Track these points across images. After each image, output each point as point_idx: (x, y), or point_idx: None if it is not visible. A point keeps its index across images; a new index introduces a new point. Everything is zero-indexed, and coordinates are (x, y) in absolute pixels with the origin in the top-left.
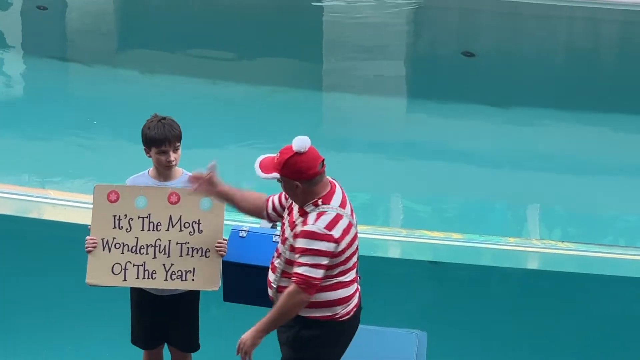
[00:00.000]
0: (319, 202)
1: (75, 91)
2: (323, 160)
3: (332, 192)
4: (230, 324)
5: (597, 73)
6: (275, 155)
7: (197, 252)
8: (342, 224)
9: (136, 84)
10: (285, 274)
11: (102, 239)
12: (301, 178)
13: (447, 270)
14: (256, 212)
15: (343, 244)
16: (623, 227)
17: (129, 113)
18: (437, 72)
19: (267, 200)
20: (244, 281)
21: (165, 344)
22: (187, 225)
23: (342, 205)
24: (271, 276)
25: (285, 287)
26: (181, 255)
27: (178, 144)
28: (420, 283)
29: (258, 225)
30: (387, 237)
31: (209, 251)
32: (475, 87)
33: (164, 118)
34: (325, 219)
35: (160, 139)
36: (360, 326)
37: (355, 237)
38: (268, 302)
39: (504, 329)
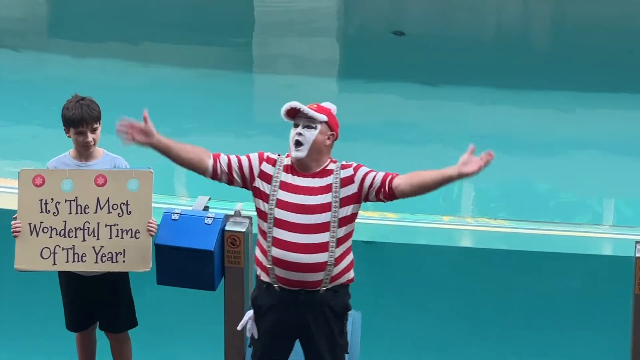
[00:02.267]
0: (341, 161)
1: (6, 75)
2: None
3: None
4: (164, 306)
5: (528, 51)
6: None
7: (126, 234)
8: None
9: (68, 68)
10: (341, 241)
11: (30, 224)
12: (337, 134)
13: (381, 249)
14: (197, 163)
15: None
16: (556, 204)
17: (59, 97)
18: (367, 52)
19: (217, 154)
20: (177, 264)
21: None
22: (115, 207)
23: None
24: (319, 257)
25: (341, 255)
26: (111, 237)
27: (96, 125)
28: (355, 263)
29: (190, 208)
30: None
31: (139, 232)
32: (406, 65)
33: (83, 98)
34: (351, 163)
35: (78, 120)
36: None
37: None
38: (202, 284)
39: (439, 308)
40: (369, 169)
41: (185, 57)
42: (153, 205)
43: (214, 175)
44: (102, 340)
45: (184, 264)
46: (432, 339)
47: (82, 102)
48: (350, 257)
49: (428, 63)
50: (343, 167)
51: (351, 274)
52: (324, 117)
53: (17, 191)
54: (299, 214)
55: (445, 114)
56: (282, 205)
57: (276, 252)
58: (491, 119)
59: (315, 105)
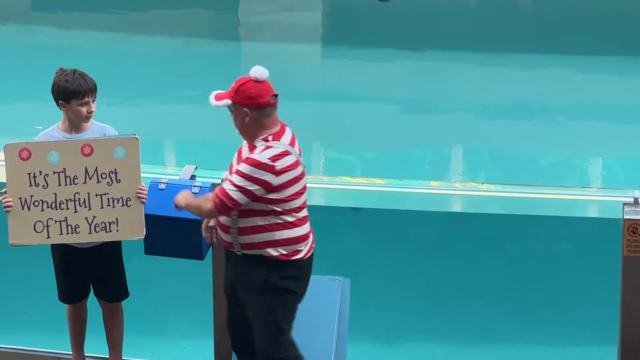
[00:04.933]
0: (270, 137)
1: None
2: (276, 95)
3: (282, 131)
4: (153, 275)
5: (514, 15)
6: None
7: (118, 202)
8: (288, 160)
9: (52, 39)
10: (243, 214)
11: (20, 198)
12: (252, 105)
13: (370, 216)
14: None
15: (283, 178)
16: (543, 167)
17: (45, 69)
18: (352, 18)
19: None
20: (165, 233)
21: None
22: (104, 176)
23: (292, 144)
24: (226, 220)
25: (246, 228)
26: (102, 207)
27: (96, 93)
28: (343, 230)
29: (177, 177)
30: (309, 185)
31: (130, 200)
32: (391, 32)
33: (76, 71)
34: (272, 152)
35: (83, 91)
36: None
37: (301, 176)
38: (189, 254)
39: (428, 273)
40: (238, 171)
41: (169, 26)
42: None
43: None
44: (92, 311)
45: (172, 233)
46: (421, 305)
47: (79, 73)
48: (267, 235)
49: (413, 29)
50: (256, 149)
51: (271, 252)
52: (227, 102)
53: (2, 166)
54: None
55: (430, 79)
56: (230, 167)
57: None
58: (477, 83)
59: (225, 91)
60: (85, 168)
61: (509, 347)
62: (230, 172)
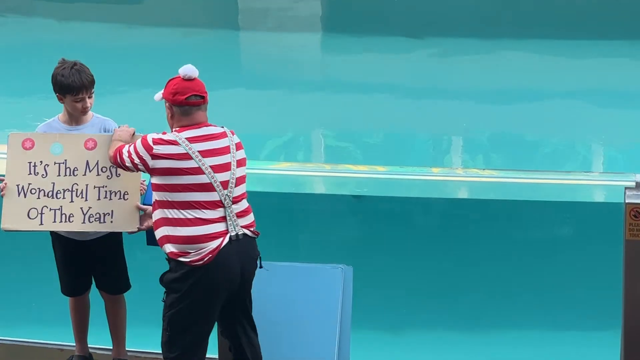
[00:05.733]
0: (174, 130)
1: None
2: (202, 97)
3: (192, 128)
4: (155, 265)
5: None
6: None
7: (115, 195)
8: (171, 149)
9: (52, 32)
10: (153, 206)
11: (17, 185)
12: (171, 100)
13: (371, 203)
14: None
15: (160, 164)
16: (545, 152)
17: (45, 61)
18: (352, 6)
19: None
20: None
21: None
22: (104, 169)
23: (196, 140)
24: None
25: (155, 221)
26: (99, 199)
27: (93, 89)
28: (345, 218)
29: None
30: (311, 173)
31: (127, 193)
32: (393, 20)
33: (75, 64)
34: (159, 136)
35: (77, 87)
36: (284, 264)
37: (191, 172)
38: None
39: (430, 260)
40: (137, 139)
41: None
42: None
43: None
44: (94, 303)
45: None
46: (424, 292)
47: (77, 68)
48: (162, 230)
49: (414, 16)
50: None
51: (168, 247)
52: (158, 96)
53: (5, 155)
54: None
55: (433, 67)
56: None
57: None
58: (478, 69)
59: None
60: (87, 161)
61: (512, 332)
62: None
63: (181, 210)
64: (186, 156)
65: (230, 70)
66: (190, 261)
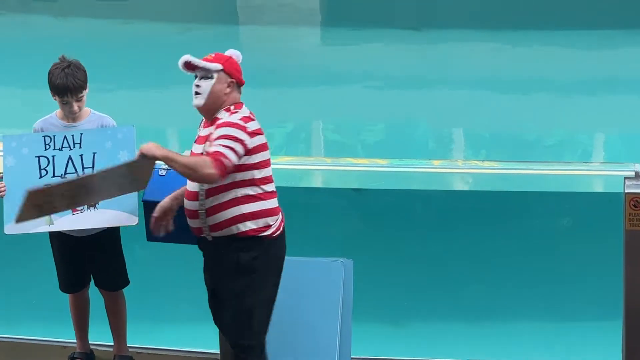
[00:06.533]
0: (231, 107)
1: None
2: None
3: (242, 104)
4: (155, 262)
5: None
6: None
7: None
8: (254, 125)
9: (49, 29)
10: (210, 193)
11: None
12: (236, 78)
13: (371, 196)
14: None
15: (255, 141)
16: (544, 143)
17: (41, 58)
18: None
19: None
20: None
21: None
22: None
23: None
24: (192, 204)
25: (214, 207)
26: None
27: (81, 94)
28: (345, 211)
29: None
30: (312, 167)
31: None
32: (392, 11)
33: (69, 65)
34: (239, 115)
35: (62, 90)
36: (284, 257)
37: (266, 147)
38: (191, 240)
39: (431, 252)
40: (220, 135)
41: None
42: None
43: None
44: (95, 300)
45: (173, 219)
46: (425, 284)
47: (68, 71)
48: (235, 210)
49: (411, 7)
50: (216, 121)
51: (241, 227)
52: (218, 66)
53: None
54: None
55: (431, 58)
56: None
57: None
58: (476, 60)
59: (212, 55)
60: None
61: (513, 323)
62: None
63: (261, 186)
64: (261, 130)
65: None
66: (271, 233)
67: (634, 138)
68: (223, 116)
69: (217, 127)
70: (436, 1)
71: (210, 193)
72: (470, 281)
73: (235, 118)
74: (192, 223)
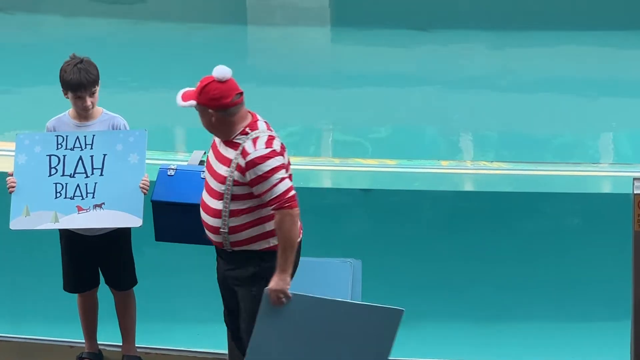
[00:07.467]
0: (247, 130)
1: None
2: (241, 93)
3: (255, 121)
4: (164, 262)
5: None
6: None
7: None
8: (277, 143)
9: (59, 28)
10: (234, 213)
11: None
12: (215, 106)
13: (380, 197)
14: None
15: (286, 157)
16: (554, 144)
17: (52, 58)
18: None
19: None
20: (174, 219)
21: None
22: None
23: (269, 129)
24: (215, 222)
25: (237, 227)
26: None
27: (94, 88)
28: (354, 212)
29: (186, 163)
30: (321, 167)
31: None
32: (399, 11)
33: (81, 61)
34: (262, 141)
35: (76, 85)
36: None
37: (289, 161)
38: (199, 240)
39: (439, 253)
40: (261, 175)
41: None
42: (149, 161)
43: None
44: (103, 301)
45: (182, 219)
46: (433, 285)
47: (80, 66)
48: (257, 229)
49: (419, 7)
50: (243, 152)
51: (263, 244)
52: (191, 103)
53: (13, 154)
54: (211, 177)
55: (441, 59)
56: (207, 166)
57: (201, 209)
58: (485, 60)
59: (191, 90)
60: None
61: (521, 324)
62: (209, 170)
63: None
64: (283, 145)
65: (238, 65)
66: (276, 245)
67: None
68: (243, 142)
69: (248, 166)
70: (445, 2)
71: (234, 213)
72: (479, 282)
73: (261, 148)
74: (211, 237)
